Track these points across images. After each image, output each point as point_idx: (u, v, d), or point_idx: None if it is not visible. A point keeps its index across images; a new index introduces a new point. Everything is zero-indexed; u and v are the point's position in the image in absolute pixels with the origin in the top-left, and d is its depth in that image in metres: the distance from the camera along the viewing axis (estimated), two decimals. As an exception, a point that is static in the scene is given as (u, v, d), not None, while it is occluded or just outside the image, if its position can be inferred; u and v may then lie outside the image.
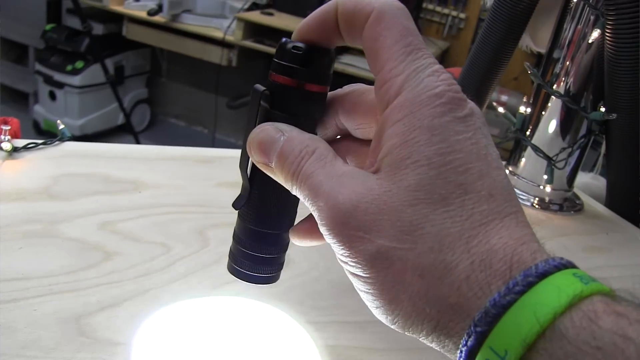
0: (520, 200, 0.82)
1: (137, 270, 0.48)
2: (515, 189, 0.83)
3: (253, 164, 0.33)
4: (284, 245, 0.36)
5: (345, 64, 2.56)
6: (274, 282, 0.37)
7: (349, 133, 0.35)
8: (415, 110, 0.28)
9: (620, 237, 0.79)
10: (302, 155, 0.30)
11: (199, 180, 0.65)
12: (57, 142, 0.67)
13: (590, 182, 0.97)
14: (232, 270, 0.36)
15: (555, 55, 0.78)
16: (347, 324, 0.47)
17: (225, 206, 0.61)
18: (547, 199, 0.82)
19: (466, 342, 0.25)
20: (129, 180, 0.61)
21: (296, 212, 0.36)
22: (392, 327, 0.29)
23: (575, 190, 0.88)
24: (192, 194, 0.62)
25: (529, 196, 0.83)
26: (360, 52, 2.59)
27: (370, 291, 0.29)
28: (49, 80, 3.02)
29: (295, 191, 0.31)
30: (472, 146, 0.28)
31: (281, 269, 0.37)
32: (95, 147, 0.67)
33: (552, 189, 0.82)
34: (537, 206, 0.82)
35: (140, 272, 0.48)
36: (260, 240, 0.35)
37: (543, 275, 0.25)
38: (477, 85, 0.88)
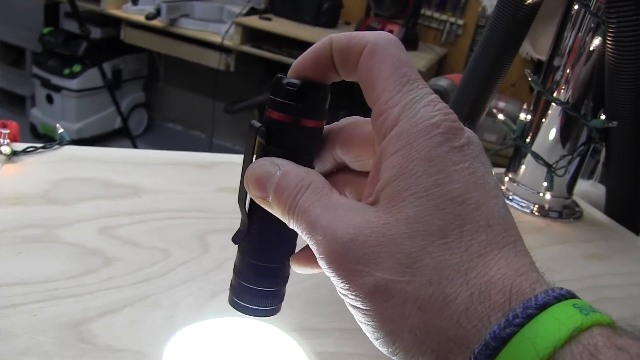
0: (519, 207, 0.82)
1: (137, 276, 0.48)
2: (515, 196, 0.84)
3: (251, 199, 0.34)
4: (284, 278, 0.36)
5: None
6: (275, 314, 0.37)
7: (346, 166, 0.35)
8: (412, 141, 0.28)
9: (619, 245, 0.78)
10: (297, 189, 0.30)
11: (199, 185, 0.65)
12: (56, 146, 0.66)
13: (589, 190, 0.97)
14: (233, 304, 0.36)
15: (556, 62, 0.78)
16: (348, 331, 0.47)
17: (226, 211, 0.61)
18: (546, 206, 0.82)
19: None
20: (128, 185, 0.61)
21: (295, 244, 0.36)
22: (394, 358, 0.29)
23: (575, 197, 0.87)
24: (192, 199, 0.61)
25: (529, 203, 0.83)
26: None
27: (370, 323, 0.29)
28: (46, 83, 3.01)
29: (292, 225, 0.31)
30: (469, 176, 0.28)
31: (282, 301, 0.37)
32: (95, 152, 0.67)
33: (552, 196, 0.82)
34: (536, 213, 0.82)
35: (141, 278, 0.48)
36: (260, 273, 0.35)
37: (543, 306, 0.25)
38: (477, 92, 0.88)
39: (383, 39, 0.30)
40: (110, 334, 0.41)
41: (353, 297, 0.28)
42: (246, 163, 0.33)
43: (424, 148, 0.28)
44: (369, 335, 0.29)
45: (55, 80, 2.99)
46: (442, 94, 1.14)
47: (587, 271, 0.69)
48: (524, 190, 0.84)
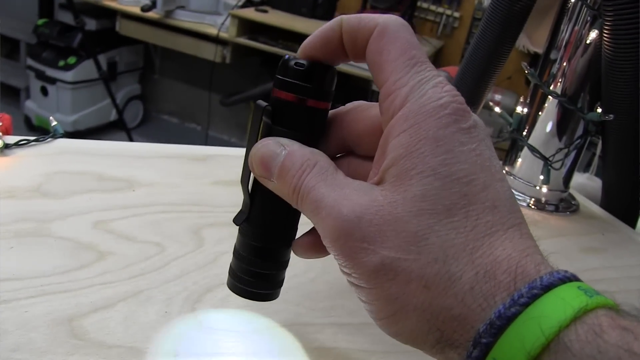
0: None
1: (131, 271, 0.47)
2: (512, 190, 0.83)
3: (254, 180, 0.34)
4: (284, 262, 0.36)
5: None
6: (274, 299, 0.36)
7: (352, 150, 0.35)
8: (420, 121, 0.28)
9: (616, 238, 0.78)
10: (303, 169, 0.30)
11: (194, 178, 0.64)
12: (49, 139, 0.66)
13: (585, 183, 0.97)
14: (232, 287, 0.36)
15: (553, 55, 0.78)
16: (344, 326, 0.46)
17: (221, 205, 0.60)
18: (543, 199, 0.82)
19: (470, 353, 0.25)
20: (123, 178, 0.61)
21: (297, 228, 0.36)
22: (396, 339, 0.29)
23: (571, 190, 0.87)
24: (187, 193, 0.61)
25: (525, 196, 0.83)
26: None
27: (374, 302, 0.29)
28: (41, 75, 3.00)
29: (297, 205, 0.31)
30: (476, 157, 0.28)
31: (281, 285, 0.37)
32: (89, 145, 0.67)
33: (548, 190, 0.81)
34: (533, 206, 0.82)
35: (135, 273, 0.47)
36: (261, 256, 0.35)
37: (548, 287, 0.25)
38: (473, 85, 0.87)
39: (393, 22, 0.31)
40: (104, 329, 0.41)
41: (357, 276, 0.28)
42: (251, 143, 0.33)
43: (431, 128, 0.28)
44: (372, 315, 0.30)
45: (50, 72, 2.98)
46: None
47: (584, 264, 0.69)
48: (521, 184, 0.84)
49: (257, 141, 0.33)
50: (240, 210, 0.35)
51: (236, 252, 0.36)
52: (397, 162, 0.28)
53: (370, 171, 0.31)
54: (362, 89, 2.93)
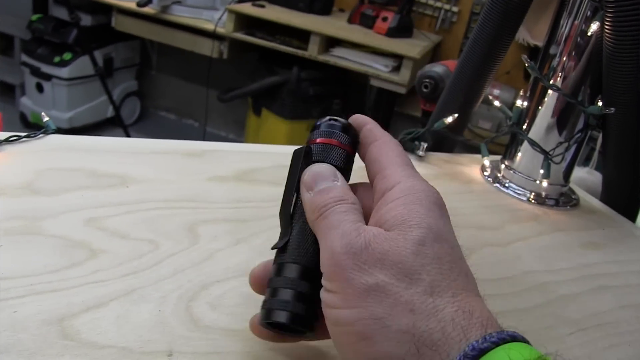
0: (515, 195, 0.81)
1: (124, 269, 0.46)
2: (512, 184, 0.82)
3: (294, 209, 0.39)
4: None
5: (337, 56, 2.54)
6: (307, 331, 0.38)
7: None
8: (414, 192, 0.36)
9: (616, 233, 0.77)
10: (344, 199, 0.37)
11: (189, 174, 0.63)
12: (41, 135, 0.64)
13: (585, 177, 0.96)
14: (268, 317, 0.38)
15: (553, 49, 0.77)
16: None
17: (217, 201, 0.59)
18: (543, 193, 0.81)
19: None
20: (116, 174, 0.59)
21: None
22: None
23: (571, 185, 0.86)
24: (182, 189, 0.60)
25: (525, 191, 0.82)
26: (352, 45, 2.57)
27: (355, 324, 0.32)
28: (36, 72, 2.98)
29: (315, 218, 0.37)
30: (452, 236, 0.36)
31: (314, 320, 0.38)
32: (82, 141, 0.65)
33: (549, 184, 0.80)
34: (533, 201, 0.81)
35: (128, 271, 0.46)
36: (300, 275, 0.37)
37: (513, 337, 0.31)
38: (472, 79, 0.86)
39: (391, 138, 0.41)
40: (95, 329, 0.40)
41: (345, 295, 0.33)
42: (292, 178, 0.40)
43: (424, 199, 0.36)
44: (346, 340, 0.33)
45: (45, 68, 2.96)
46: (437, 80, 1.13)
47: (584, 260, 0.68)
48: (520, 178, 0.83)
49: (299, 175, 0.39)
50: (279, 239, 0.39)
51: (272, 284, 0.38)
52: (396, 216, 0.35)
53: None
54: (361, 84, 2.92)
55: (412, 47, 2.53)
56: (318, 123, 0.41)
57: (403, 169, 0.38)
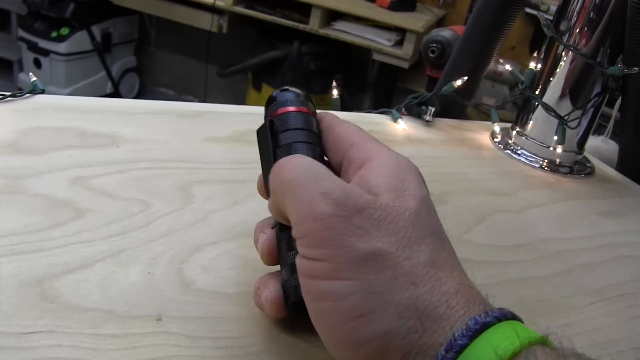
0: (527, 162, 0.77)
1: (112, 229, 0.43)
2: (523, 150, 0.79)
3: None
4: None
5: (339, 30, 2.49)
6: None
7: None
8: (399, 162, 0.34)
9: (634, 202, 0.74)
10: (312, 163, 0.33)
11: (184, 135, 0.59)
12: (28, 95, 0.61)
13: (600, 146, 0.93)
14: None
15: (570, 5, 0.72)
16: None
17: (213, 162, 0.55)
18: (557, 160, 0.77)
19: (442, 357, 0.27)
20: (106, 134, 0.56)
21: None
22: (363, 347, 0.28)
23: (585, 154, 0.82)
24: (176, 149, 0.56)
25: (537, 158, 0.78)
26: (354, 19, 2.53)
27: (349, 297, 0.28)
28: (33, 47, 2.93)
29: (282, 191, 0.32)
30: (434, 210, 0.33)
31: None
32: (71, 101, 0.61)
33: (563, 151, 0.77)
34: (545, 168, 0.77)
35: (115, 231, 0.43)
36: None
37: (513, 315, 0.29)
38: (482, 40, 0.82)
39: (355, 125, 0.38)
40: (78, 291, 0.36)
41: (336, 263, 0.28)
42: (267, 160, 0.38)
43: (411, 169, 0.34)
44: (339, 317, 0.29)
45: (43, 43, 2.91)
46: (444, 45, 1.08)
47: (602, 229, 0.64)
48: (533, 144, 0.79)
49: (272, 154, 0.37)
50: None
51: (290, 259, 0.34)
52: (390, 178, 0.32)
53: None
54: (363, 59, 2.88)
55: (416, 21, 2.49)
56: (274, 95, 0.39)
57: (378, 143, 0.36)
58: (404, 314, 0.27)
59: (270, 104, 0.39)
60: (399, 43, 2.47)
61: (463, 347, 0.26)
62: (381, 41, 2.46)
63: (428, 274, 0.29)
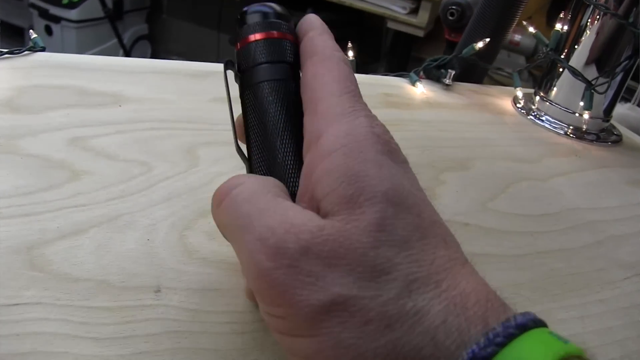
0: (552, 128, 0.73)
1: (110, 192, 0.40)
2: (547, 116, 0.75)
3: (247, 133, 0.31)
4: None
5: (353, -3, 2.44)
6: None
7: None
8: (355, 142, 0.26)
9: (665, 172, 0.70)
10: (243, 179, 0.27)
11: (191, 95, 0.56)
12: (27, 53, 0.57)
13: (627, 114, 0.88)
14: None
15: (602, -40, 0.68)
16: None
17: (220, 123, 0.52)
18: (583, 127, 0.73)
19: None
20: (108, 93, 0.52)
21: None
22: None
23: (612, 121, 0.78)
24: (181, 109, 0.52)
25: (562, 124, 0.74)
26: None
27: (316, 356, 0.23)
28: (44, 14, 2.89)
29: (221, 216, 0.27)
30: (417, 192, 0.26)
31: None
32: (72, 59, 0.58)
33: (590, 117, 0.72)
34: (571, 135, 0.73)
35: (113, 195, 0.39)
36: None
37: (523, 327, 0.22)
38: (500, 13, 0.78)
39: (332, 50, 0.30)
40: (70, 259, 0.33)
41: (295, 320, 0.23)
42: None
43: (370, 151, 0.25)
44: None
45: (54, 10, 2.87)
46: (464, 7, 1.04)
47: (632, 198, 0.61)
48: (557, 110, 0.75)
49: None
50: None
51: None
52: (338, 186, 0.25)
53: None
54: (376, 28, 2.82)
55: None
56: (245, 9, 0.32)
57: (340, 100, 0.28)
58: None
59: (241, 24, 0.32)
60: (414, 11, 2.41)
61: None
62: (396, 9, 2.40)
63: (403, 309, 0.23)
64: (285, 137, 0.29)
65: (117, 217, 0.37)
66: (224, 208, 0.27)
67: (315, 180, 0.26)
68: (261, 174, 0.29)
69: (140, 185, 0.41)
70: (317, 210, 0.25)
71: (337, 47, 0.31)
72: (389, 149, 0.26)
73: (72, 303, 0.31)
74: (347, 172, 0.25)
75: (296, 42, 0.31)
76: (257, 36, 0.30)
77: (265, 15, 0.31)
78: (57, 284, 0.31)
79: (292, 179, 0.29)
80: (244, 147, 0.32)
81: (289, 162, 0.29)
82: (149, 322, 0.31)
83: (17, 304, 0.30)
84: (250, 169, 0.30)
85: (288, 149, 0.29)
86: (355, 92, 0.28)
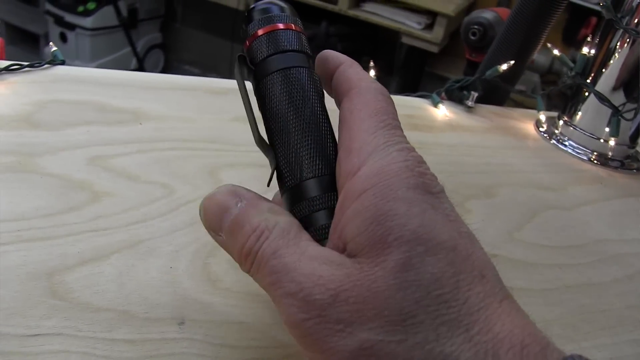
0: (575, 154, 0.72)
1: (131, 216, 0.38)
2: (571, 141, 0.73)
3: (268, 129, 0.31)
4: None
5: (368, 12, 2.43)
6: None
7: None
8: (384, 180, 0.25)
9: (692, 201, 0.68)
10: (261, 230, 0.27)
11: (211, 113, 0.55)
12: (46, 66, 0.57)
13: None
14: None
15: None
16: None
17: (242, 143, 0.51)
18: (609, 154, 0.72)
19: None
20: (128, 110, 0.51)
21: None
22: None
23: (638, 148, 0.77)
24: (203, 129, 0.52)
25: (586, 150, 0.73)
26: (383, 0, 2.46)
27: None
28: (59, 21, 2.91)
29: (249, 272, 0.27)
30: (452, 223, 0.25)
31: None
32: (92, 73, 0.57)
33: (615, 144, 0.71)
34: (595, 161, 0.72)
35: (135, 219, 0.38)
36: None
37: None
38: (525, 35, 0.77)
39: (370, 85, 0.30)
40: (91, 287, 0.32)
41: None
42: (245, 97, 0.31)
43: (400, 188, 0.25)
44: None
45: (69, 17, 2.89)
46: (486, 27, 1.03)
47: (662, 229, 0.59)
48: (582, 135, 0.73)
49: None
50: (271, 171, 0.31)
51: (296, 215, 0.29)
52: (365, 228, 0.24)
53: None
54: (391, 42, 2.82)
55: (447, 3, 2.42)
56: (252, 6, 0.33)
57: (374, 137, 0.27)
58: None
59: (248, 23, 0.33)
60: (429, 26, 2.41)
61: None
62: (411, 24, 2.40)
63: (431, 354, 0.22)
64: (314, 120, 0.30)
65: (138, 243, 0.36)
66: (250, 267, 0.27)
67: (345, 221, 0.25)
68: (289, 160, 0.29)
69: (162, 209, 0.40)
70: (344, 248, 0.25)
71: (371, 78, 0.30)
72: (423, 181, 0.26)
73: (94, 335, 0.29)
74: (375, 212, 0.24)
75: (302, 32, 0.33)
76: (267, 29, 0.32)
77: (268, 10, 0.32)
78: (78, 313, 0.30)
79: (325, 159, 0.29)
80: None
81: (319, 144, 0.29)
82: (173, 357, 0.29)
83: (38, 335, 0.29)
84: (276, 157, 0.30)
85: (319, 132, 0.30)
86: (392, 124, 0.28)
